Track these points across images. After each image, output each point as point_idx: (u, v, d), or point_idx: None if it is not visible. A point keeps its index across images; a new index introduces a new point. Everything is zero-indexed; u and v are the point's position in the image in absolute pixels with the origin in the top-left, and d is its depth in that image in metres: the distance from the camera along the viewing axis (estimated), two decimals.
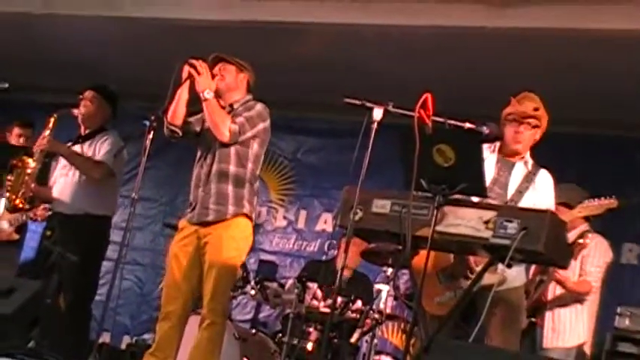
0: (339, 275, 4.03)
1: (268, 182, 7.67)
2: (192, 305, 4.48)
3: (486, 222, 3.42)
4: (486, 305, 3.53)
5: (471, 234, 3.46)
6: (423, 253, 3.59)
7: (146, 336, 6.76)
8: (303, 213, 7.65)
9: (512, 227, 3.37)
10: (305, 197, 7.69)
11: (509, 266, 3.48)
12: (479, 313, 3.64)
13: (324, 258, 7.02)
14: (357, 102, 3.78)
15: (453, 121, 3.73)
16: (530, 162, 4.23)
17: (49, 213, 5.46)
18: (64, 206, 5.42)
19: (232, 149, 4.38)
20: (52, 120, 5.41)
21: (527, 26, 5.57)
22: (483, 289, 3.73)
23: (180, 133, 4.44)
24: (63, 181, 5.49)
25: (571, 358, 5.08)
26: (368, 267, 6.02)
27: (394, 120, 3.67)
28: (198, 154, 4.52)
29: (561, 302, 5.14)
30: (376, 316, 5.27)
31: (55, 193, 5.49)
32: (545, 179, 4.21)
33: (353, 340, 5.39)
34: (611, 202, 4.65)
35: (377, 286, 5.70)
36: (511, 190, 4.14)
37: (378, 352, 5.53)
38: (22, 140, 6.20)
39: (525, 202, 4.06)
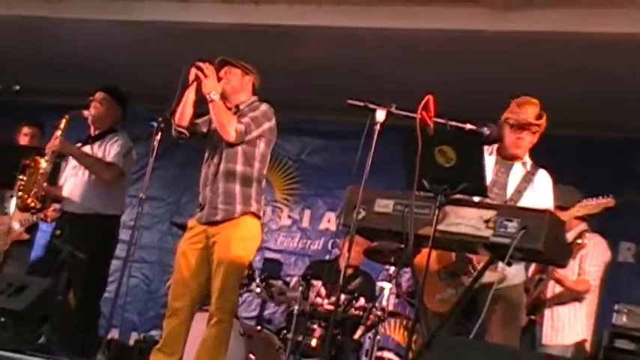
0: (342, 273, 4.09)
1: (273, 182, 7.67)
2: (198, 302, 4.50)
3: (487, 221, 3.47)
4: (487, 302, 3.56)
5: (472, 233, 3.50)
6: (424, 251, 3.64)
7: (153, 332, 6.75)
8: (307, 212, 7.66)
9: (512, 226, 3.42)
10: (309, 197, 7.70)
11: (509, 264, 3.51)
12: (479, 310, 3.66)
13: (327, 257, 7.09)
14: (361, 104, 3.82)
15: (454, 123, 3.77)
16: (529, 162, 4.23)
17: (59, 214, 5.49)
18: (74, 205, 5.44)
19: (239, 149, 4.39)
20: (64, 121, 5.42)
21: (529, 30, 5.56)
22: (484, 287, 3.74)
23: (188, 134, 4.46)
24: (73, 180, 5.51)
25: (569, 354, 5.10)
26: (371, 265, 6.07)
27: (397, 121, 3.70)
28: (206, 154, 4.53)
29: (560, 300, 5.19)
30: (379, 313, 5.31)
31: (65, 192, 5.51)
32: (543, 179, 4.21)
33: (356, 336, 5.44)
34: (608, 201, 4.66)
35: (379, 284, 5.76)
36: (510, 190, 4.15)
37: (381, 349, 5.55)
38: (28, 139, 6.21)
39: (524, 202, 4.07)
